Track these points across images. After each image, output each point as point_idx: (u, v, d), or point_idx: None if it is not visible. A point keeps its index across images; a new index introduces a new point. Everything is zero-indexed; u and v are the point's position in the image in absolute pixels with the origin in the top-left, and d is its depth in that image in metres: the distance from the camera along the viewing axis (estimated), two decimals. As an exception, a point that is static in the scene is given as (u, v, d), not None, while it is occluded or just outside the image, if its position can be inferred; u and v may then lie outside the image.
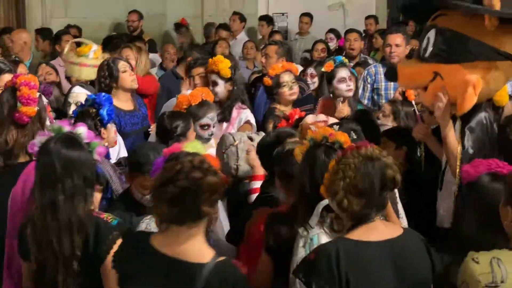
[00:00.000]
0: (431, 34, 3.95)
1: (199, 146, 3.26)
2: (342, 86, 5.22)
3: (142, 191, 3.40)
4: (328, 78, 5.33)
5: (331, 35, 9.24)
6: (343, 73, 5.23)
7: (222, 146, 4.20)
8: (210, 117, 4.59)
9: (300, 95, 5.87)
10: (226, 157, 4.11)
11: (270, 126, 5.09)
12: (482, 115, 3.99)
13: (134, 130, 5.01)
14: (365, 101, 6.07)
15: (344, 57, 5.53)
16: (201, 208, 2.46)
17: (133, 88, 5.04)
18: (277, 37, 9.40)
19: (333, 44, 9.08)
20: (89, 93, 4.69)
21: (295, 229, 2.95)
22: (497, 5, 3.63)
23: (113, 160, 4.19)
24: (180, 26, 9.39)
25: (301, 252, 2.86)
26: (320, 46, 8.51)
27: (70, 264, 2.79)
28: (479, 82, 3.79)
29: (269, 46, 6.39)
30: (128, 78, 4.97)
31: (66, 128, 2.97)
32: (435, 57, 3.91)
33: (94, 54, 5.28)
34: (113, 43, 7.18)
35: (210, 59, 5.25)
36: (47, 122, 3.46)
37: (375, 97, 6.31)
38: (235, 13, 9.85)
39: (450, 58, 3.86)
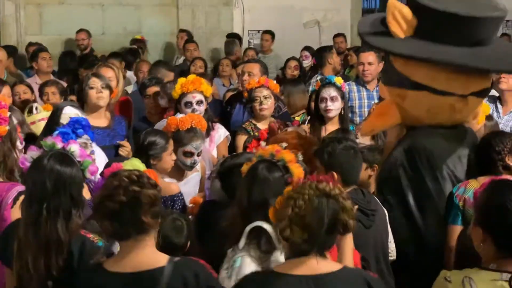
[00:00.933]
0: None
1: (138, 164, 3.25)
2: (322, 106, 5.19)
3: None
4: (316, 98, 5.32)
5: (306, 53, 9.24)
6: (324, 93, 5.19)
7: None
8: (195, 145, 4.51)
9: (277, 112, 5.91)
10: None
11: (238, 138, 5.26)
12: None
13: (100, 146, 4.99)
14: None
15: (337, 77, 5.47)
16: (143, 220, 2.49)
17: (98, 105, 4.97)
18: (251, 53, 9.45)
19: (308, 62, 9.09)
20: (79, 113, 4.66)
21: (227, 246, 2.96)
22: (400, 35, 3.56)
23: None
24: (137, 42, 9.36)
25: (222, 274, 2.86)
26: (293, 63, 8.54)
27: (44, 283, 2.78)
28: (381, 111, 3.89)
29: (251, 64, 6.34)
30: (94, 95, 4.91)
31: (59, 144, 2.95)
32: (381, 75, 4.03)
33: (40, 110, 5.23)
34: (88, 61, 7.18)
35: (186, 79, 5.19)
36: (18, 143, 3.42)
37: (350, 115, 6.36)
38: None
39: (383, 78, 3.98)
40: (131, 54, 8.63)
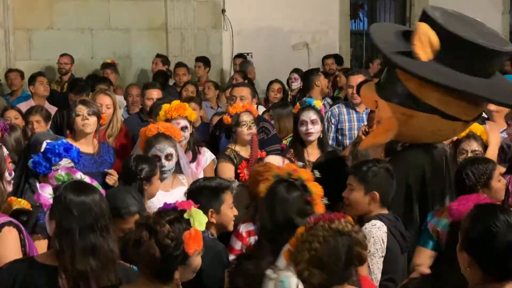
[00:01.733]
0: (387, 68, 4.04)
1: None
2: (302, 129, 5.21)
3: (120, 235, 3.38)
4: (294, 121, 5.33)
5: (295, 75, 9.25)
6: (304, 116, 5.21)
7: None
8: (159, 148, 4.56)
9: (265, 135, 5.91)
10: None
11: (222, 165, 5.13)
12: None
13: (86, 172, 4.98)
14: (330, 142, 6.12)
15: (316, 101, 5.48)
16: None
17: (84, 132, 5.02)
18: (238, 76, 9.45)
19: (297, 84, 9.09)
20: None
21: (262, 266, 2.94)
22: (423, 58, 3.57)
23: None
24: (108, 66, 9.35)
25: None
26: (276, 86, 8.48)
27: None
28: (381, 131, 3.91)
29: (241, 87, 6.32)
30: (79, 122, 4.99)
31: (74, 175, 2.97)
32: (377, 88, 3.97)
33: None
34: (78, 85, 7.17)
35: (170, 105, 5.19)
36: (6, 174, 3.40)
37: (340, 137, 6.38)
38: (198, 59, 9.93)
39: (384, 93, 3.91)
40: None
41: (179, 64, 9.65)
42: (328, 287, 2.50)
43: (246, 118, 5.28)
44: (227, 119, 5.40)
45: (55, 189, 2.88)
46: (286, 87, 9.28)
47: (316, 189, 3.13)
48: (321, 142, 5.30)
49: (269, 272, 2.88)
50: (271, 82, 8.67)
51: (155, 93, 6.58)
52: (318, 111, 5.26)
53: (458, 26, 3.59)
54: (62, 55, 9.20)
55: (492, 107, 5.53)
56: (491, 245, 2.37)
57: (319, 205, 3.08)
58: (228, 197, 3.73)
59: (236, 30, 10.90)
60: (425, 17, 3.62)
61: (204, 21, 10.70)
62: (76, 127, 5.02)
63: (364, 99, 4.26)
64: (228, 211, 3.72)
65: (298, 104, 5.42)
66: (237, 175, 4.97)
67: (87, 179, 2.97)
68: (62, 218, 2.77)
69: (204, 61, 9.89)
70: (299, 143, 5.26)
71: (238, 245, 3.85)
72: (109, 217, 2.87)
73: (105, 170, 4.94)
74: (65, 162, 3.93)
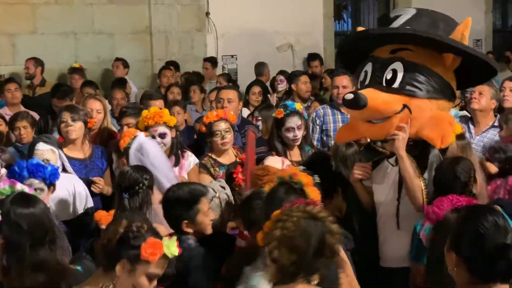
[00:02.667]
0: (398, 66, 3.95)
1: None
2: (289, 135, 5.18)
3: None
4: (277, 125, 5.28)
5: (281, 77, 9.24)
6: (292, 122, 5.18)
7: None
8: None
9: (252, 138, 5.90)
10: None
11: (200, 176, 5.03)
12: (436, 152, 4.08)
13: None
14: (315, 142, 6.12)
15: (298, 103, 5.46)
16: None
17: (70, 138, 5.03)
18: (221, 79, 9.44)
19: (283, 86, 9.10)
20: (54, 148, 4.67)
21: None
22: (465, 41, 3.81)
23: None
24: (75, 70, 9.28)
25: None
26: (257, 89, 8.35)
27: None
28: (452, 119, 3.97)
29: (228, 90, 6.27)
30: (64, 129, 5.01)
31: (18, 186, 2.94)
32: (404, 90, 3.91)
33: None
34: (61, 90, 7.15)
35: (146, 112, 5.13)
36: None
37: (324, 138, 6.39)
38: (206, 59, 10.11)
39: (420, 92, 3.90)
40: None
41: (165, 67, 9.65)
42: (296, 273, 2.46)
43: (219, 127, 5.17)
44: (202, 128, 5.35)
45: (0, 203, 2.81)
46: (270, 89, 9.30)
47: (314, 194, 3.13)
48: (301, 143, 5.30)
49: (248, 268, 2.92)
50: (251, 85, 8.60)
51: (157, 103, 6.37)
52: (301, 115, 5.26)
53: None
54: (27, 60, 9.10)
55: (474, 105, 5.57)
56: (479, 246, 2.39)
57: None
58: (202, 206, 3.76)
59: (220, 32, 10.90)
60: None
61: (188, 24, 10.70)
62: (62, 133, 5.04)
63: (385, 106, 3.93)
64: (204, 219, 3.75)
65: (281, 108, 5.32)
66: (232, 179, 4.90)
67: (26, 189, 2.94)
68: (11, 233, 2.71)
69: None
70: (281, 145, 5.24)
71: (243, 244, 3.84)
72: (55, 228, 2.85)
73: (91, 178, 4.93)
74: (35, 181, 3.93)
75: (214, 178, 5.00)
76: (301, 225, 2.48)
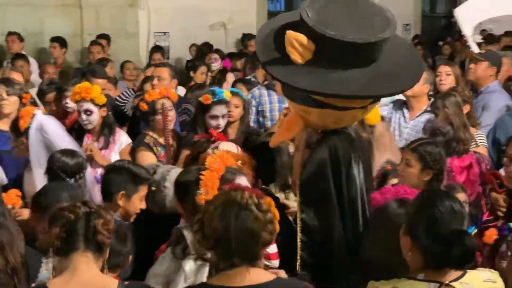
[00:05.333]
0: None
1: None
2: (213, 123, 5.11)
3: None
4: (202, 110, 5.19)
5: (215, 56, 9.20)
6: (217, 110, 5.13)
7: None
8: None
9: (188, 117, 5.84)
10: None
11: (141, 154, 4.90)
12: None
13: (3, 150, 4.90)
14: (251, 123, 6.11)
15: (226, 91, 5.36)
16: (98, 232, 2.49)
17: (3, 113, 4.98)
18: (158, 56, 9.33)
19: (217, 65, 9.05)
20: None
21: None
22: (300, 61, 3.52)
23: None
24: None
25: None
26: (204, 69, 8.25)
27: None
28: (290, 123, 3.92)
29: (160, 68, 6.18)
30: None
31: None
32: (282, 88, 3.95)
33: None
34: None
35: (77, 87, 5.00)
36: None
37: (261, 119, 6.39)
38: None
39: (286, 92, 3.88)
40: None
41: (94, 42, 9.42)
42: (229, 259, 2.38)
43: (162, 105, 5.06)
44: (144, 106, 5.20)
45: None
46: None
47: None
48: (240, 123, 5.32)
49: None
50: (198, 65, 8.38)
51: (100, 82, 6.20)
52: (227, 103, 5.24)
53: (334, 20, 3.58)
54: None
55: (408, 92, 5.62)
56: (435, 231, 2.42)
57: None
58: (143, 190, 3.70)
59: (153, 8, 10.69)
60: (300, 18, 3.66)
61: (121, -2, 10.47)
62: None
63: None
64: (137, 201, 3.69)
65: (208, 95, 5.22)
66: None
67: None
68: None
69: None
70: (204, 131, 5.15)
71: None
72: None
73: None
74: None
75: (157, 157, 4.90)
76: (219, 211, 2.38)
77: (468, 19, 7.98)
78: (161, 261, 3.22)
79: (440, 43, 12.74)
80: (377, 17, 3.69)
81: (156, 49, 9.84)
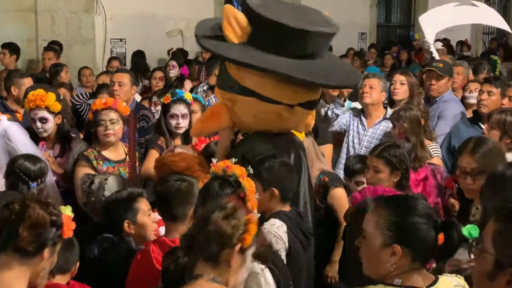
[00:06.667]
0: None
1: None
2: (172, 122, 5.15)
3: None
4: (164, 110, 5.24)
5: (173, 62, 9.17)
6: (176, 109, 5.16)
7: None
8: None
9: (146, 123, 5.80)
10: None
11: (79, 170, 4.64)
12: None
13: None
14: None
15: (187, 93, 5.39)
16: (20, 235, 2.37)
17: None
18: (116, 63, 9.26)
19: (175, 72, 9.02)
20: None
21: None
22: (234, 40, 3.53)
23: None
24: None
25: None
26: (159, 74, 8.31)
27: None
28: (213, 111, 3.96)
29: (121, 73, 6.08)
30: None
31: None
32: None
33: None
34: None
35: (31, 94, 4.82)
36: None
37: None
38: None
39: (217, 82, 3.94)
40: None
41: (47, 48, 9.28)
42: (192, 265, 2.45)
43: (104, 116, 4.76)
44: (90, 115, 5.00)
45: None
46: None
47: (249, 185, 3.08)
48: (185, 134, 5.22)
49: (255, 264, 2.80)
50: (154, 70, 8.53)
51: (26, 81, 6.13)
52: (188, 105, 5.23)
53: (276, 10, 3.55)
54: None
55: (366, 100, 5.66)
56: (422, 235, 2.42)
57: (252, 201, 3.05)
58: (142, 205, 3.63)
59: (109, 15, 10.63)
60: (243, 3, 3.66)
61: (76, 4, 10.34)
62: None
63: (216, 94, 4.14)
64: (146, 218, 3.61)
65: (168, 94, 5.29)
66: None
67: None
68: None
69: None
70: (168, 132, 5.19)
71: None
72: None
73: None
74: None
75: (97, 171, 4.57)
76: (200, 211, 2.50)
77: (431, 27, 8.15)
78: None
79: (386, 52, 12.90)
80: (319, 18, 3.70)
81: (113, 57, 9.78)
